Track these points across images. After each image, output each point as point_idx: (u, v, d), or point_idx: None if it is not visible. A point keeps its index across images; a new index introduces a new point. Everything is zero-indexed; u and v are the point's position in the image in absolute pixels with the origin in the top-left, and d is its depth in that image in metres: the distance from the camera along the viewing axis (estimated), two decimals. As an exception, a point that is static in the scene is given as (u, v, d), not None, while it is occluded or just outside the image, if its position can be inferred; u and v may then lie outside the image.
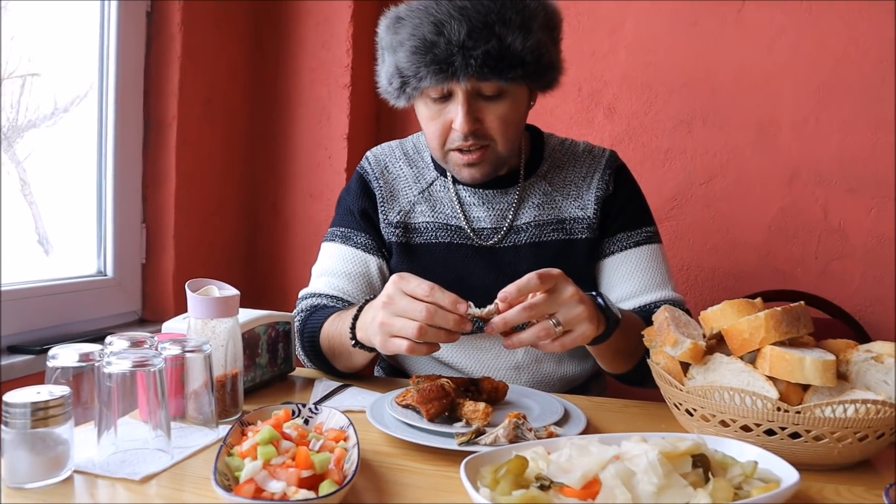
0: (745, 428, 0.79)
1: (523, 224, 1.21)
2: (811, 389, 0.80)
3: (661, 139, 1.97)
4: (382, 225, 1.24)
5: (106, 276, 1.63)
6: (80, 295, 1.53)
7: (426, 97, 1.10)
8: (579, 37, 2.01)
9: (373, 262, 1.24)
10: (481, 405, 0.85)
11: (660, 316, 0.91)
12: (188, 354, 0.81)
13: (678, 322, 0.90)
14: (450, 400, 0.86)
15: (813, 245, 1.87)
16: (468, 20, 1.01)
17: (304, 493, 0.61)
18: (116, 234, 1.63)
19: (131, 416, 0.75)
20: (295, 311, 1.24)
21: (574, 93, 2.03)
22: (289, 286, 2.02)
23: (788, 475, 0.66)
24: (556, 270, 0.89)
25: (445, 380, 0.89)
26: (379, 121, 2.18)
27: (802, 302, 0.86)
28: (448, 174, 1.24)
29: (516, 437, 0.79)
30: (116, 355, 0.73)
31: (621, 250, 1.22)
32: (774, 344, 0.81)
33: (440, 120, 1.10)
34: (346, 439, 0.75)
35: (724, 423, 0.80)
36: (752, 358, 0.84)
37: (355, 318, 1.01)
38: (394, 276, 0.90)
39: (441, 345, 0.90)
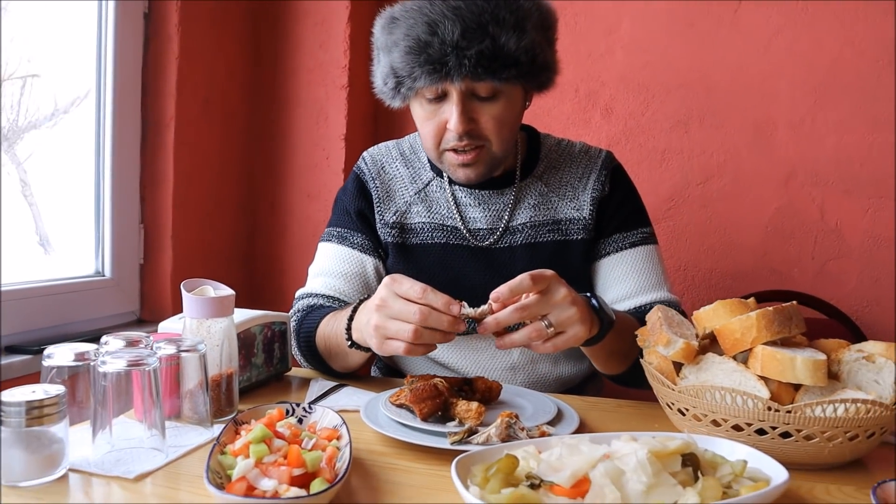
0: (737, 427, 0.79)
1: (519, 225, 1.22)
2: (802, 389, 0.81)
3: (658, 139, 1.97)
4: (379, 225, 1.25)
5: (104, 276, 1.63)
6: (79, 295, 1.53)
7: (421, 97, 1.10)
8: (576, 37, 2.02)
9: (369, 263, 1.24)
10: (474, 405, 0.85)
11: (653, 316, 0.92)
12: (183, 354, 0.81)
13: (671, 322, 0.90)
14: (443, 399, 0.87)
15: (809, 245, 1.87)
16: (462, 20, 1.02)
17: (295, 491, 0.62)
18: (114, 234, 1.63)
19: (127, 416, 0.75)
20: (291, 311, 1.25)
21: (571, 93, 2.03)
22: (287, 286, 2.03)
23: (778, 474, 0.67)
24: (549, 272, 0.90)
25: (439, 379, 0.90)
26: (376, 121, 2.18)
27: (794, 302, 0.87)
28: (444, 175, 1.25)
29: (508, 436, 0.79)
30: (111, 355, 0.73)
31: (617, 251, 1.22)
32: (766, 343, 0.82)
33: (435, 120, 1.11)
34: (338, 438, 0.76)
35: (715, 423, 0.80)
36: (744, 358, 0.85)
37: (350, 318, 1.02)
38: (386, 279, 0.90)
39: (437, 345, 0.91)
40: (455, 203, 1.24)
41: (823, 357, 0.79)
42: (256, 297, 2.04)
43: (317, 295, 1.23)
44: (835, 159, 1.84)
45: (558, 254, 1.21)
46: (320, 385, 1.10)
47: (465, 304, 0.87)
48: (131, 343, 0.81)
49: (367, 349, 1.01)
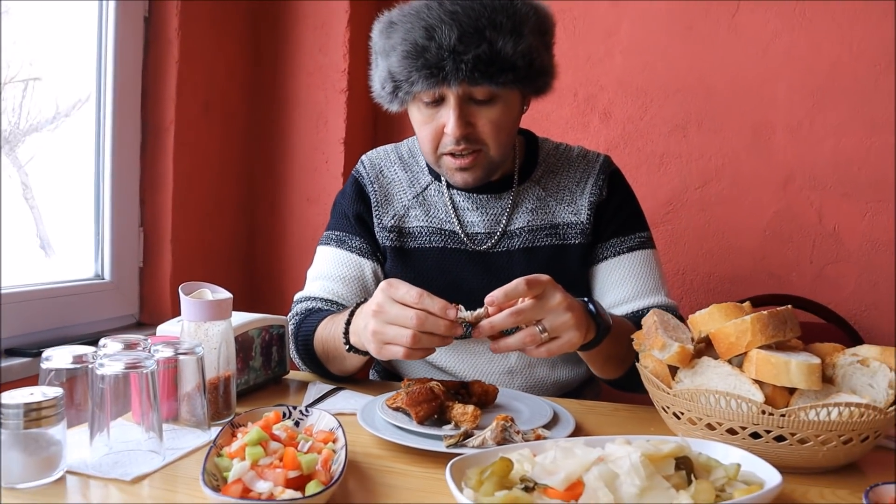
0: (731, 431, 0.79)
1: (517, 229, 1.22)
2: (797, 393, 0.81)
3: (657, 143, 1.98)
4: (377, 229, 1.25)
5: (104, 279, 1.64)
6: (78, 298, 1.54)
7: (419, 101, 1.11)
8: (574, 41, 2.02)
9: (367, 266, 1.25)
10: (470, 408, 0.85)
11: (648, 320, 0.92)
12: (181, 357, 0.82)
13: (667, 326, 0.91)
14: (439, 403, 0.87)
15: (808, 249, 1.87)
16: (459, 25, 1.02)
17: (290, 494, 0.62)
18: (114, 237, 1.64)
19: (124, 418, 0.76)
20: (290, 314, 1.25)
21: (569, 97, 2.04)
22: (286, 289, 2.03)
23: (772, 478, 0.67)
24: (544, 277, 0.90)
25: (435, 383, 0.90)
26: (376, 125, 2.19)
27: (789, 306, 0.87)
28: (442, 179, 1.25)
29: (504, 439, 0.79)
30: (109, 357, 0.74)
31: (614, 255, 1.23)
32: (761, 347, 0.82)
33: (432, 124, 1.11)
34: (334, 441, 0.76)
35: (710, 427, 0.81)
36: (739, 361, 0.85)
37: (348, 322, 1.02)
38: (382, 284, 0.90)
39: (435, 348, 0.91)
40: (453, 207, 1.24)
41: (818, 361, 0.80)
42: (256, 301, 2.04)
43: (315, 298, 1.23)
44: (833, 163, 1.85)
45: (556, 258, 1.21)
46: (318, 388, 1.10)
47: (461, 307, 0.87)
48: (129, 346, 0.81)
49: (365, 353, 1.02)
